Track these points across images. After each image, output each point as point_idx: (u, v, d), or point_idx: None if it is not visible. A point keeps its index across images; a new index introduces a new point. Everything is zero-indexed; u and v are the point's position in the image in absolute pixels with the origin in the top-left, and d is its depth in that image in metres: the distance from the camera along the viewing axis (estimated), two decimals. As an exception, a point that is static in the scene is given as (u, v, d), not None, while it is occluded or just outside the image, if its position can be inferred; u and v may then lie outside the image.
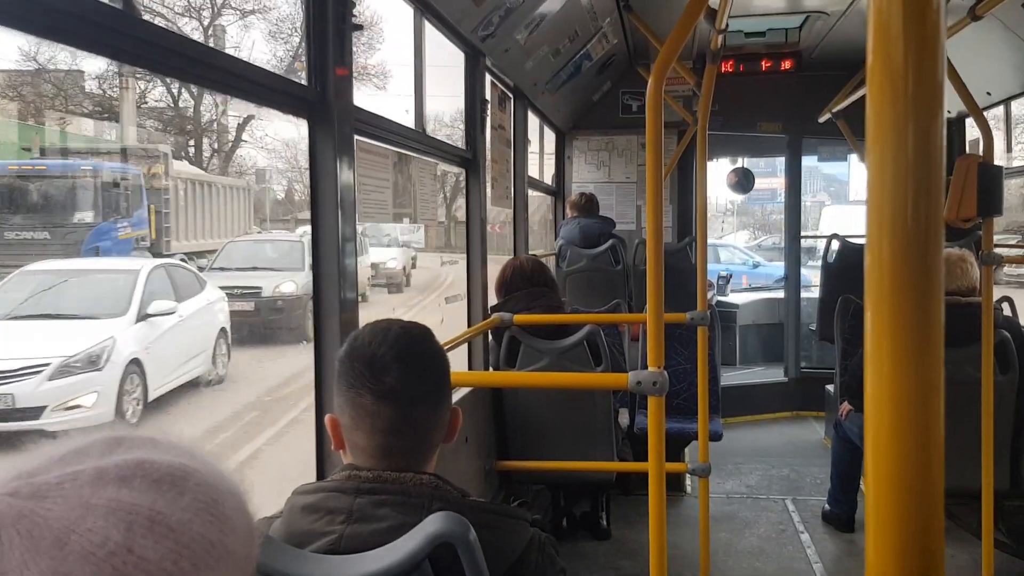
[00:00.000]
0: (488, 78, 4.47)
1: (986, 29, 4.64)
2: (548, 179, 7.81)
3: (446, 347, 1.78)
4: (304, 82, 2.37)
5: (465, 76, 4.23)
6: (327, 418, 1.52)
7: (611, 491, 4.96)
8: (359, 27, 2.51)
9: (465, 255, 4.47)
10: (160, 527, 0.64)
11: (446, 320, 9.05)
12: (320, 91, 2.40)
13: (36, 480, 0.64)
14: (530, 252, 5.86)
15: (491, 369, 4.31)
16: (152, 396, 9.00)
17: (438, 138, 3.71)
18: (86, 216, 14.02)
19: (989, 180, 3.42)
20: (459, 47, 4.05)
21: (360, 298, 2.65)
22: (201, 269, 13.80)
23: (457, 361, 2.78)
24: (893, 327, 0.64)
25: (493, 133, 4.61)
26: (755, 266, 20.93)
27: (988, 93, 5.75)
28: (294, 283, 13.70)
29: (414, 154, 3.37)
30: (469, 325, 4.30)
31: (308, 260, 14.44)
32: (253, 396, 10.46)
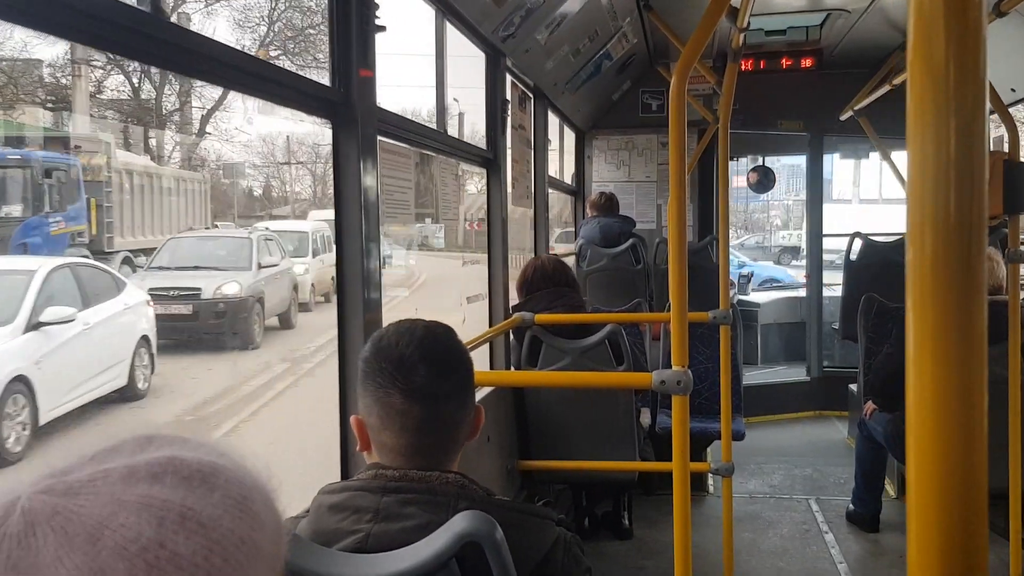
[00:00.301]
0: (508, 78, 4.47)
1: (1011, 25, 4.60)
2: (568, 178, 7.81)
3: (468, 347, 1.78)
4: (328, 83, 2.39)
5: (486, 76, 4.24)
6: (352, 419, 1.53)
7: (633, 491, 4.95)
8: (382, 28, 2.53)
9: (486, 255, 4.47)
10: (191, 523, 0.64)
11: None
12: (344, 92, 2.41)
13: (69, 478, 0.65)
14: (550, 251, 5.86)
15: (513, 368, 4.31)
16: (45, 419, 7.68)
17: (460, 138, 3.71)
18: (13, 210, 12.87)
19: (1015, 177, 3.38)
20: (479, 47, 4.06)
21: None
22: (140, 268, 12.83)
23: (479, 361, 2.79)
24: (936, 326, 0.64)
25: (513, 133, 4.62)
26: (740, 266, 20.81)
27: (1013, 90, 5.70)
28: (238, 284, 12.48)
29: (436, 154, 3.38)
30: (491, 325, 4.30)
31: (256, 258, 13.37)
32: (171, 414, 9.31)
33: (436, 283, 22.97)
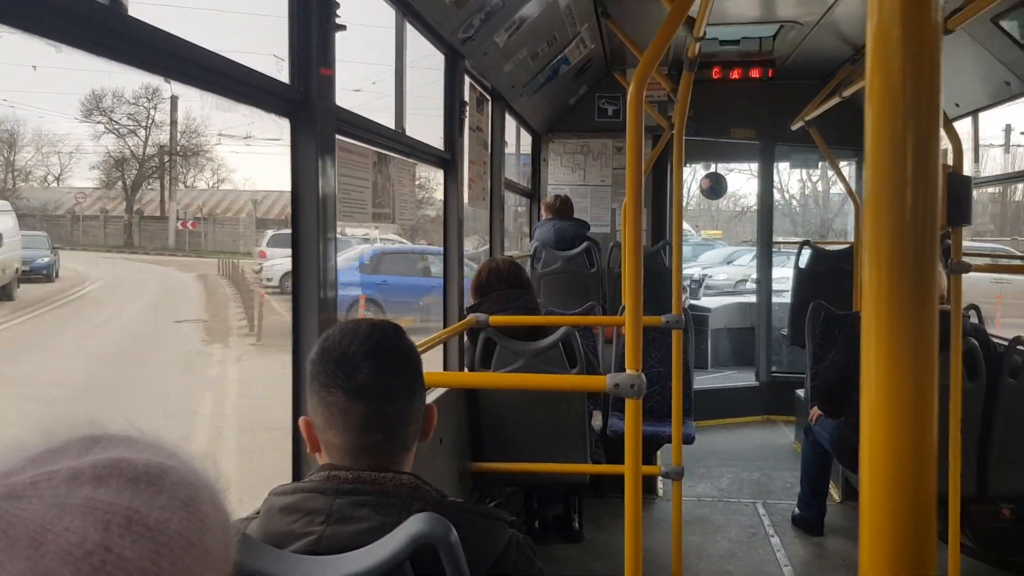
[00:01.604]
0: (467, 80, 4.47)
1: (956, 43, 4.73)
2: (524, 181, 7.83)
3: (421, 348, 1.78)
4: (287, 81, 2.37)
5: (445, 77, 4.23)
6: (301, 420, 1.52)
7: (584, 493, 4.97)
8: (342, 27, 2.51)
9: (443, 253, 4.46)
10: (138, 526, 0.63)
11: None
12: (303, 91, 2.39)
13: (10, 480, 0.64)
14: (506, 252, 5.87)
15: (466, 370, 4.31)
16: None
17: (418, 139, 3.70)
18: None
19: (958, 190, 3.47)
20: (439, 49, 4.05)
21: None
22: None
23: (432, 362, 2.78)
24: (889, 333, 0.66)
25: (471, 134, 4.62)
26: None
27: (957, 104, 5.85)
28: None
29: (394, 154, 3.37)
30: (445, 326, 4.29)
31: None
32: None
33: (118, 292, 22.72)
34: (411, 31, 3.60)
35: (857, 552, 0.70)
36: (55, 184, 46.18)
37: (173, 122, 42.20)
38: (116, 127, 42.22)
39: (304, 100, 2.40)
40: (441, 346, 4.14)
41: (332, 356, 1.47)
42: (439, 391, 3.67)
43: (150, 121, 42.95)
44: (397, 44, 3.57)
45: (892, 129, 0.66)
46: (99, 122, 41.92)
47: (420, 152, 3.82)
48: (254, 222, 39.48)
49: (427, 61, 4.18)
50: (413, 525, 1.33)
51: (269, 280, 22.94)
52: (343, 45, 2.56)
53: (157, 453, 0.71)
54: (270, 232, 28.28)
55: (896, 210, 0.66)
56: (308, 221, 2.44)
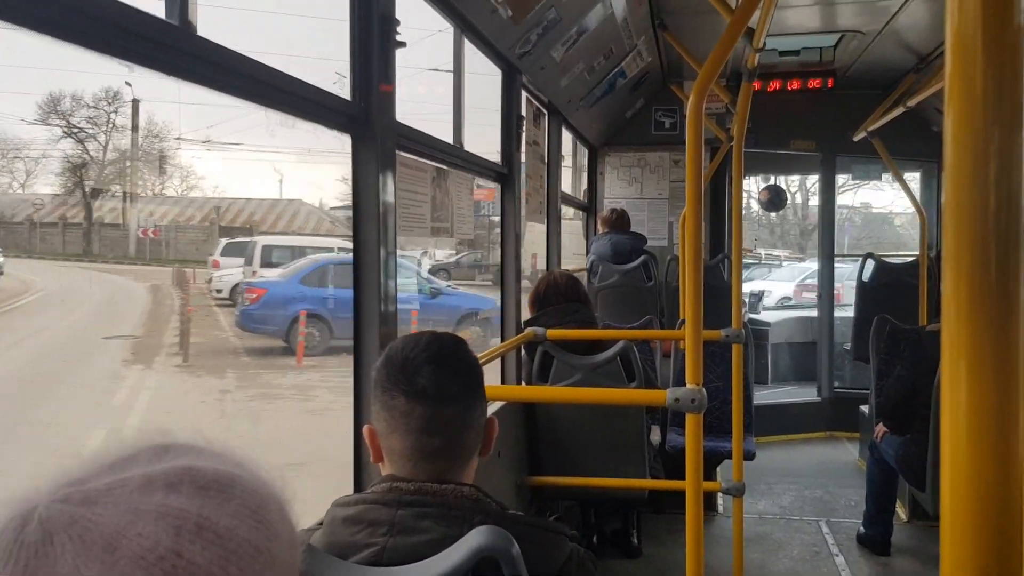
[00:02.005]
0: (524, 94, 4.49)
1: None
2: (580, 194, 7.82)
3: (480, 360, 1.79)
4: (348, 98, 2.40)
5: (502, 92, 4.26)
6: (365, 429, 1.54)
7: (642, 509, 4.93)
8: (402, 44, 2.54)
9: (500, 271, 4.47)
10: (208, 532, 0.65)
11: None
12: (364, 107, 2.42)
13: (86, 487, 0.66)
14: (562, 267, 5.86)
15: (524, 384, 4.31)
16: None
17: (476, 154, 3.73)
18: None
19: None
20: (496, 64, 4.08)
21: None
22: None
23: (490, 376, 2.78)
24: (972, 349, 0.64)
25: (528, 148, 4.63)
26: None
27: None
28: None
29: (452, 168, 3.40)
30: (503, 340, 4.30)
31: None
32: None
33: (59, 304, 21.45)
34: (469, 47, 3.63)
35: (925, 572, 0.68)
36: (20, 190, 44.40)
37: (134, 127, 40.21)
38: (75, 131, 40.33)
39: (365, 116, 2.43)
40: (499, 360, 4.14)
41: (394, 362, 1.51)
42: (497, 405, 3.68)
43: (111, 126, 41.08)
44: (455, 59, 3.60)
45: (973, 137, 0.64)
46: (57, 125, 40.18)
47: (477, 166, 3.84)
48: (216, 230, 37.96)
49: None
50: (475, 538, 1.33)
51: (219, 292, 21.78)
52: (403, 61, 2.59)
53: (225, 462, 0.73)
54: (224, 241, 27.17)
55: (978, 220, 0.64)
56: (369, 236, 2.46)
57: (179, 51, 1.60)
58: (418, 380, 1.48)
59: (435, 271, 27.61)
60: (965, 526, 0.64)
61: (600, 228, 6.78)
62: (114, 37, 1.44)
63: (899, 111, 5.92)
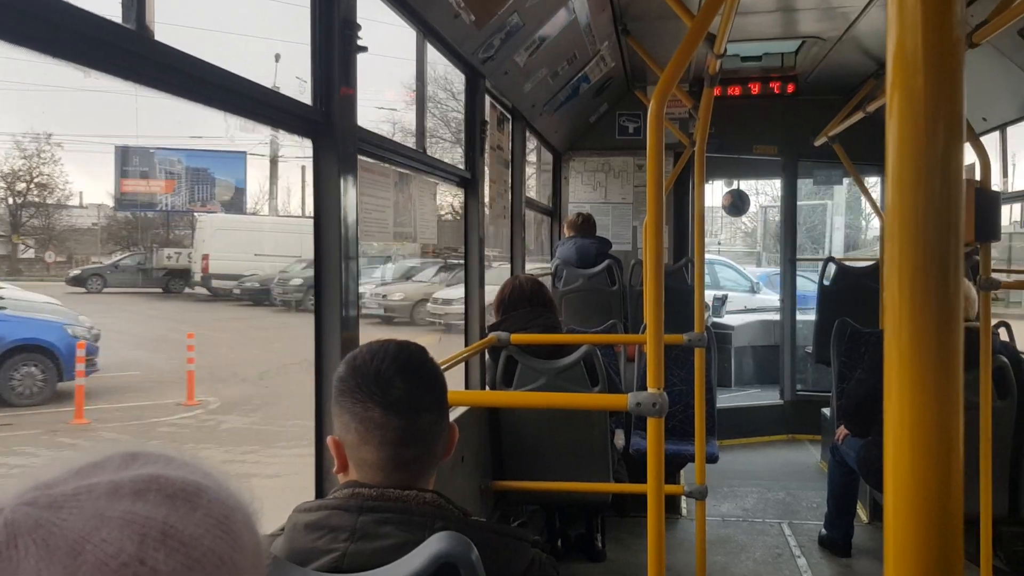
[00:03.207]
0: (487, 99, 4.50)
1: (982, 56, 4.70)
2: (544, 199, 7.84)
3: (443, 365, 1.79)
4: (309, 103, 2.39)
5: (465, 97, 4.26)
6: (330, 440, 1.52)
7: (606, 512, 4.95)
8: (363, 49, 2.54)
9: (464, 272, 4.47)
10: (172, 540, 0.65)
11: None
12: (325, 111, 2.42)
13: (53, 491, 0.66)
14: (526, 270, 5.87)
15: (488, 388, 4.31)
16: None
17: (439, 158, 3.73)
18: None
19: (986, 205, 3.44)
20: (460, 68, 4.08)
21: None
22: None
23: (454, 380, 2.78)
24: (912, 352, 0.65)
25: (491, 153, 4.64)
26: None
27: (984, 119, 5.80)
28: None
29: (414, 173, 3.39)
30: (466, 344, 4.30)
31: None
32: None
33: None
34: (431, 51, 3.63)
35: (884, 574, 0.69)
36: None
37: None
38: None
39: (326, 121, 2.42)
40: (463, 364, 4.14)
41: (364, 373, 1.49)
42: (461, 409, 3.67)
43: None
44: (418, 64, 3.60)
45: (914, 145, 0.65)
46: None
47: (441, 171, 3.84)
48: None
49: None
50: (434, 544, 1.33)
51: None
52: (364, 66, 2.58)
53: (193, 472, 0.73)
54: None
55: (919, 227, 0.65)
56: (331, 240, 2.46)
57: (136, 55, 1.58)
58: (392, 391, 1.47)
59: (86, 276, 24.57)
60: (908, 524, 0.65)
61: (566, 232, 6.80)
62: (68, 41, 1.42)
63: (859, 116, 6.00)
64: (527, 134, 5.86)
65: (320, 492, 2.47)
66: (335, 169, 2.43)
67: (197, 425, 10.67)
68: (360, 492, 1.46)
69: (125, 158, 24.98)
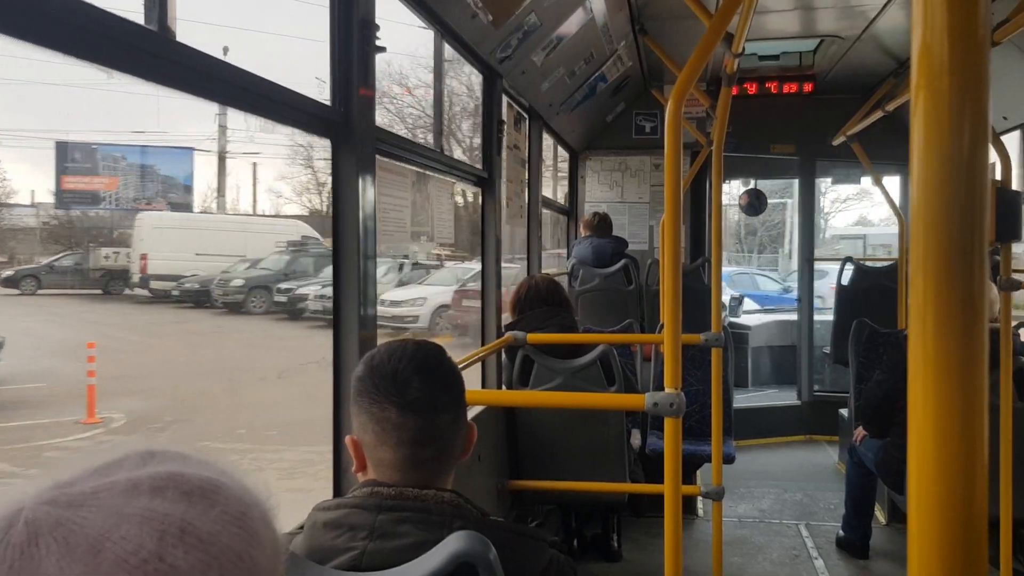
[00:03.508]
0: (504, 99, 4.50)
1: (1003, 54, 4.66)
2: (561, 198, 7.84)
3: (460, 364, 1.80)
4: (328, 103, 2.40)
5: (482, 97, 4.26)
6: (348, 439, 1.53)
7: (622, 512, 4.94)
8: (382, 49, 2.54)
9: (481, 272, 4.48)
10: (191, 537, 0.65)
11: None
12: (344, 112, 2.43)
13: (72, 490, 0.66)
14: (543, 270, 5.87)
15: (504, 387, 4.31)
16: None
17: (456, 158, 3.73)
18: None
19: (1007, 205, 3.41)
20: (477, 68, 4.09)
21: None
22: None
23: (470, 379, 2.79)
24: (937, 352, 0.65)
25: (508, 153, 4.64)
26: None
27: (1005, 118, 5.76)
28: None
29: (432, 173, 3.40)
30: (483, 344, 4.30)
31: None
32: None
33: None
34: (449, 51, 3.64)
35: (903, 575, 0.69)
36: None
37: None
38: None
39: (345, 121, 2.43)
40: (479, 364, 4.15)
41: (382, 373, 1.49)
42: (477, 409, 3.68)
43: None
44: (436, 64, 3.60)
45: (939, 146, 0.65)
46: None
47: (458, 171, 3.85)
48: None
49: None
50: (453, 543, 1.34)
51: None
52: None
53: (210, 469, 0.73)
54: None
55: (944, 227, 0.65)
56: (349, 240, 2.47)
57: (157, 56, 1.60)
58: (409, 391, 1.47)
59: (19, 278, 22.51)
60: (932, 527, 0.65)
61: (582, 231, 6.80)
62: (92, 42, 1.43)
63: (878, 115, 5.97)
64: (544, 133, 5.86)
65: (338, 491, 2.48)
66: (354, 169, 2.44)
67: (91, 448, 9.04)
68: (379, 491, 1.47)
69: (65, 154, 23.67)
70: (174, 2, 1.62)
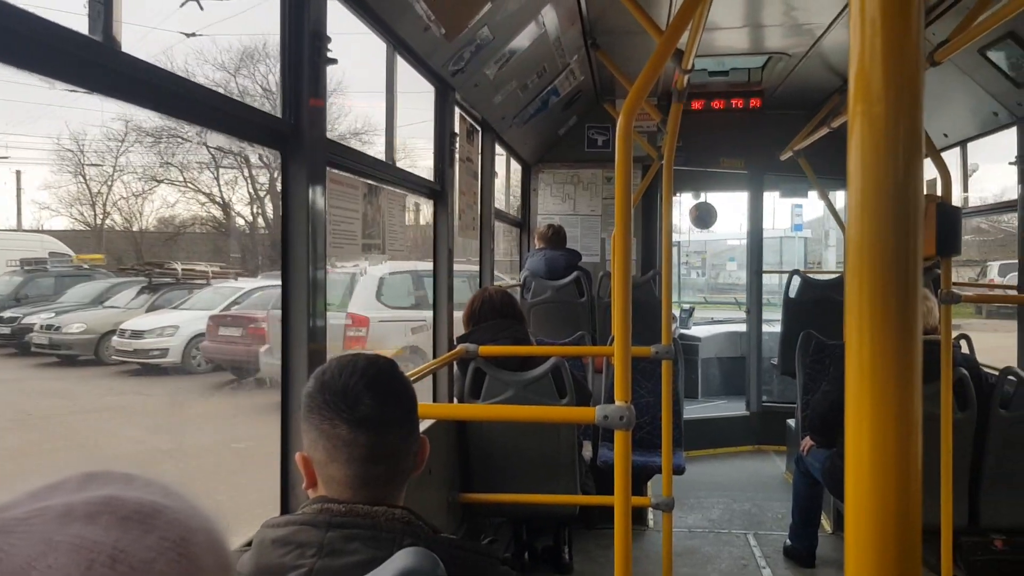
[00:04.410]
0: (457, 111, 4.51)
1: (944, 74, 4.78)
2: (514, 211, 7.86)
3: (411, 378, 1.78)
4: (279, 114, 2.38)
5: (435, 109, 4.26)
6: (298, 456, 1.51)
7: (574, 524, 4.95)
8: (333, 61, 2.53)
9: (433, 287, 4.46)
10: (122, 565, 0.63)
11: None
12: (294, 123, 2.41)
13: (6, 515, 0.64)
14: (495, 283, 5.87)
15: (456, 400, 4.30)
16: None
17: (408, 170, 3.72)
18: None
19: (947, 220, 3.50)
20: (429, 81, 4.08)
21: None
22: None
23: (421, 392, 2.77)
24: (872, 363, 0.67)
25: (461, 165, 4.64)
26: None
27: (945, 135, 5.91)
28: None
29: (384, 185, 3.39)
30: (435, 356, 4.29)
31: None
32: None
33: None
34: (402, 64, 3.63)
35: None
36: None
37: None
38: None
39: (295, 132, 2.41)
40: (431, 376, 4.13)
41: (332, 388, 1.47)
42: (428, 422, 3.66)
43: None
44: (388, 77, 3.59)
45: (875, 166, 0.67)
46: None
47: (410, 183, 3.84)
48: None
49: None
50: (400, 560, 1.32)
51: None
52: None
53: (152, 492, 0.71)
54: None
55: (878, 245, 0.67)
56: (298, 252, 2.44)
57: (102, 67, 1.57)
58: (360, 408, 1.45)
59: None
60: (868, 536, 0.67)
61: (536, 244, 6.82)
62: (34, 52, 1.41)
63: (824, 131, 6.09)
64: (496, 146, 5.87)
65: (285, 508, 2.44)
66: (304, 180, 2.42)
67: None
68: (329, 508, 1.45)
69: None
70: (120, 12, 1.59)
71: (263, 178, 28.17)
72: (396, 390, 1.52)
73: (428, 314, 4.45)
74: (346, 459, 1.47)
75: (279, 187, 2.45)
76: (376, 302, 11.86)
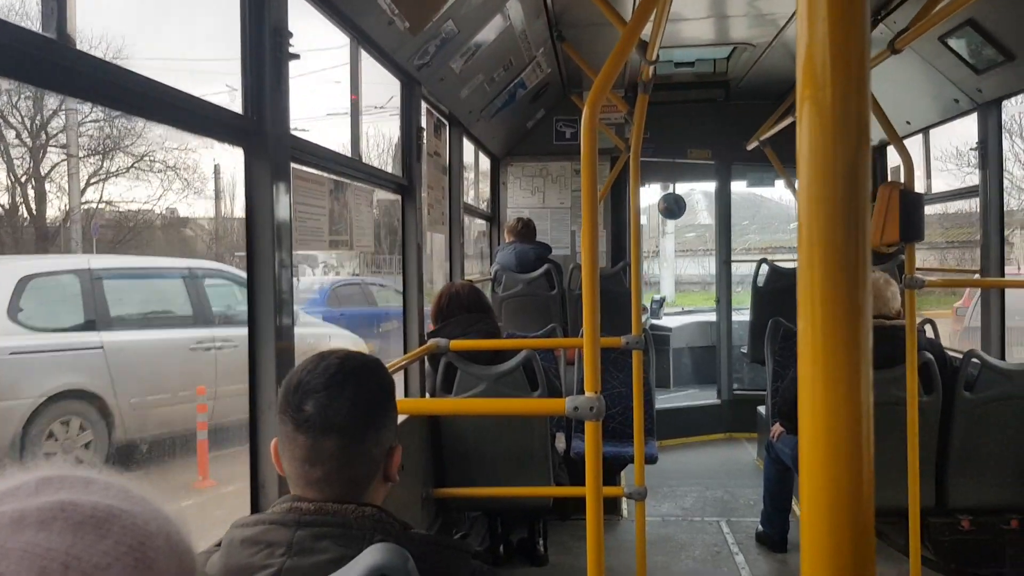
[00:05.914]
0: (423, 106, 4.49)
1: (905, 62, 4.83)
2: (483, 204, 7.86)
3: None
4: (240, 111, 2.36)
5: (401, 104, 4.24)
6: (272, 443, 1.52)
7: (548, 516, 4.96)
8: (295, 56, 2.51)
9: (402, 282, 4.45)
10: (75, 572, 0.62)
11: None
12: (256, 120, 2.39)
13: None
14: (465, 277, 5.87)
15: (428, 395, 4.29)
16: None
17: (375, 166, 3.70)
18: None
19: (910, 206, 3.54)
20: (395, 75, 4.07)
21: None
22: None
23: (394, 388, 2.76)
24: (824, 350, 0.68)
25: (428, 160, 4.63)
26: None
27: (908, 122, 5.97)
28: None
29: (350, 181, 3.37)
30: (405, 351, 4.28)
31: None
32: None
33: None
34: (366, 58, 3.61)
35: None
36: None
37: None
38: None
39: (257, 128, 2.39)
40: (402, 372, 4.12)
41: (288, 385, 1.47)
42: (400, 418, 3.65)
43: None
44: (352, 72, 3.57)
45: (823, 150, 0.68)
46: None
47: (377, 178, 3.82)
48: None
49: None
50: (370, 556, 1.32)
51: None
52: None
53: (110, 495, 0.70)
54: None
55: (828, 233, 0.68)
56: (263, 249, 2.43)
57: (57, 65, 1.54)
58: (304, 408, 1.44)
59: None
60: (821, 521, 0.68)
61: (506, 237, 6.82)
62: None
63: (789, 121, 6.13)
64: (464, 140, 5.86)
65: (256, 507, 2.43)
66: (267, 177, 2.40)
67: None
68: (298, 506, 1.44)
69: None
70: (74, 9, 1.57)
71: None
72: (355, 392, 1.47)
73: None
74: (290, 457, 1.47)
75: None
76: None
